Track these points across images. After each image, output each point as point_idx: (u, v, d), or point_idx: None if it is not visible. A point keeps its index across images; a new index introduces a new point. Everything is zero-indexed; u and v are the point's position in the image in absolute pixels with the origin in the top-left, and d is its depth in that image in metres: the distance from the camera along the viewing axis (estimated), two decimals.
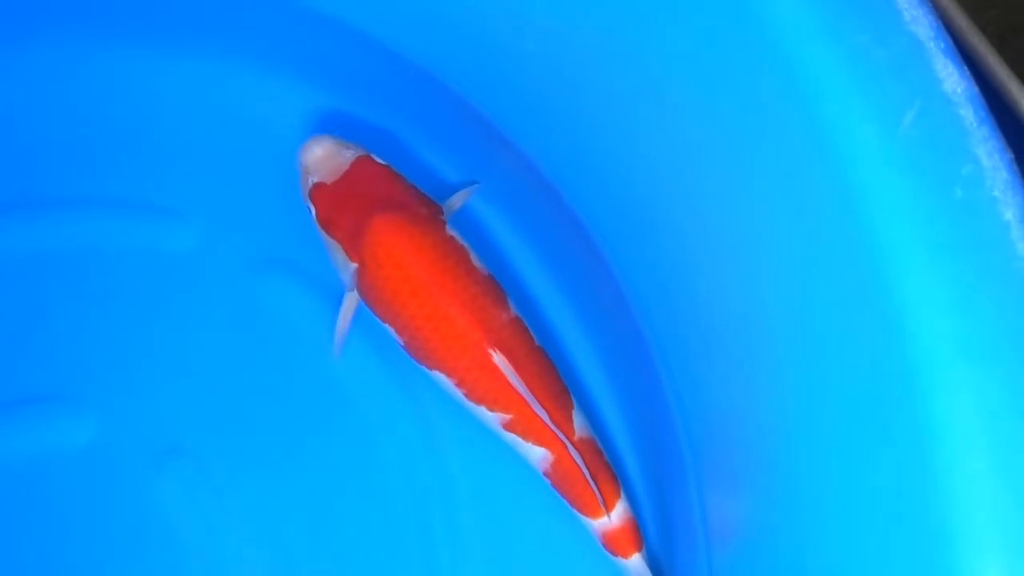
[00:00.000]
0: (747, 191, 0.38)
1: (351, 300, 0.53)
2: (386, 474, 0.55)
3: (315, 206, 0.51)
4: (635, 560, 0.51)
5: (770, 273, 0.38)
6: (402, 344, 0.51)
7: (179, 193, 0.57)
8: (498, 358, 0.49)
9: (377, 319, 0.51)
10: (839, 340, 0.35)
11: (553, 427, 0.49)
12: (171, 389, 0.55)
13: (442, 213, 0.52)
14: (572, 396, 0.51)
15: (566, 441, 0.49)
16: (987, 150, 0.31)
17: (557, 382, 0.51)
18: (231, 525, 0.54)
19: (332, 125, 0.57)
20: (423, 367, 0.51)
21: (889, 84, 0.31)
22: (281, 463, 0.55)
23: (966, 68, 0.31)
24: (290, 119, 0.57)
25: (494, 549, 0.54)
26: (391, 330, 0.51)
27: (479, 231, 0.56)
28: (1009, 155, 0.31)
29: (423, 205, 0.51)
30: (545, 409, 0.49)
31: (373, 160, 0.51)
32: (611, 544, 0.51)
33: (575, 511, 0.51)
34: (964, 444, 0.30)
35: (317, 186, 0.51)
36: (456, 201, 0.54)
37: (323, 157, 0.51)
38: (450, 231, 0.51)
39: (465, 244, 0.51)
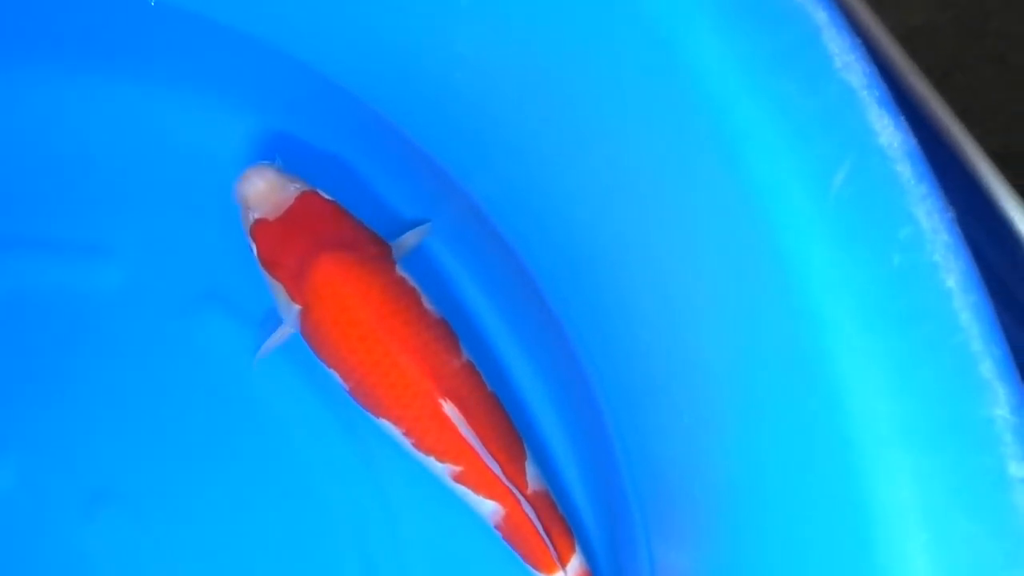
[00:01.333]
0: (687, 241, 0.36)
1: (285, 331, 0.51)
2: (330, 516, 0.53)
3: (256, 244, 0.49)
4: None
5: (712, 330, 0.36)
6: (347, 390, 0.49)
7: (102, 228, 0.54)
8: (448, 408, 0.47)
9: (321, 363, 0.49)
10: (779, 406, 0.33)
11: (505, 480, 0.48)
12: (99, 432, 0.53)
13: (392, 253, 0.50)
14: (525, 445, 0.49)
15: (518, 495, 0.48)
16: (926, 209, 0.28)
17: (510, 431, 0.49)
18: (165, 572, 0.52)
19: (271, 152, 0.54)
20: (369, 414, 0.49)
21: (819, 138, 0.29)
22: (219, 507, 0.53)
23: (903, 118, 0.28)
24: (224, 145, 0.55)
25: None
26: (336, 375, 0.49)
27: (429, 270, 0.55)
28: (951, 213, 0.28)
29: (372, 244, 0.49)
30: (497, 460, 0.47)
31: (319, 196, 0.49)
32: None
33: (528, 566, 0.50)
34: (903, 534, 0.28)
35: (259, 223, 0.49)
36: (407, 240, 0.52)
37: (265, 191, 0.49)
38: (400, 272, 0.49)
39: (416, 286, 0.49)
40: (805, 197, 0.29)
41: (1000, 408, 0.27)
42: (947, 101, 0.32)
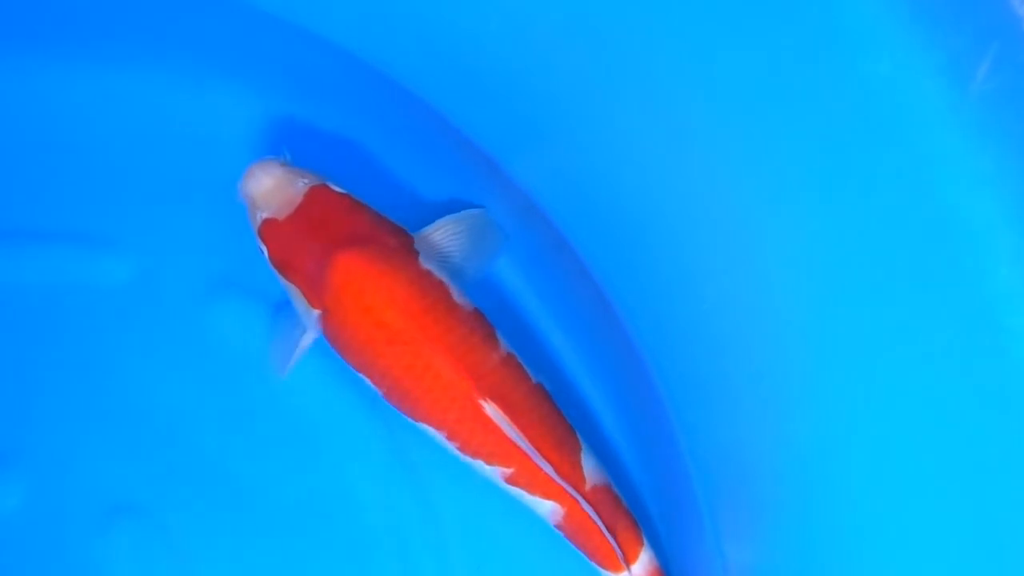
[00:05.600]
0: (738, 184, 0.36)
1: (309, 337, 0.49)
2: (365, 515, 0.52)
3: (267, 246, 0.48)
4: None
5: (790, 288, 0.36)
6: (381, 395, 0.48)
7: (109, 219, 0.53)
8: (490, 409, 0.46)
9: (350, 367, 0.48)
10: (869, 378, 0.34)
11: (559, 479, 0.46)
12: (115, 439, 0.52)
13: (414, 244, 0.48)
14: (580, 437, 0.48)
15: (575, 493, 0.47)
16: None
17: (561, 424, 0.47)
18: None
19: (281, 139, 0.53)
20: (407, 419, 0.48)
21: (955, 27, 0.26)
22: (246, 512, 0.52)
23: None
24: (232, 131, 0.53)
25: None
26: (366, 380, 0.48)
27: None
28: None
29: (391, 237, 0.47)
30: (549, 460, 0.46)
31: (330, 189, 0.48)
32: None
33: (595, 565, 0.48)
34: None
35: (267, 223, 0.48)
36: (433, 230, 0.50)
37: (272, 189, 0.48)
38: (424, 264, 0.47)
39: (443, 277, 0.47)
40: (941, 95, 0.26)
41: None
42: None
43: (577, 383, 0.53)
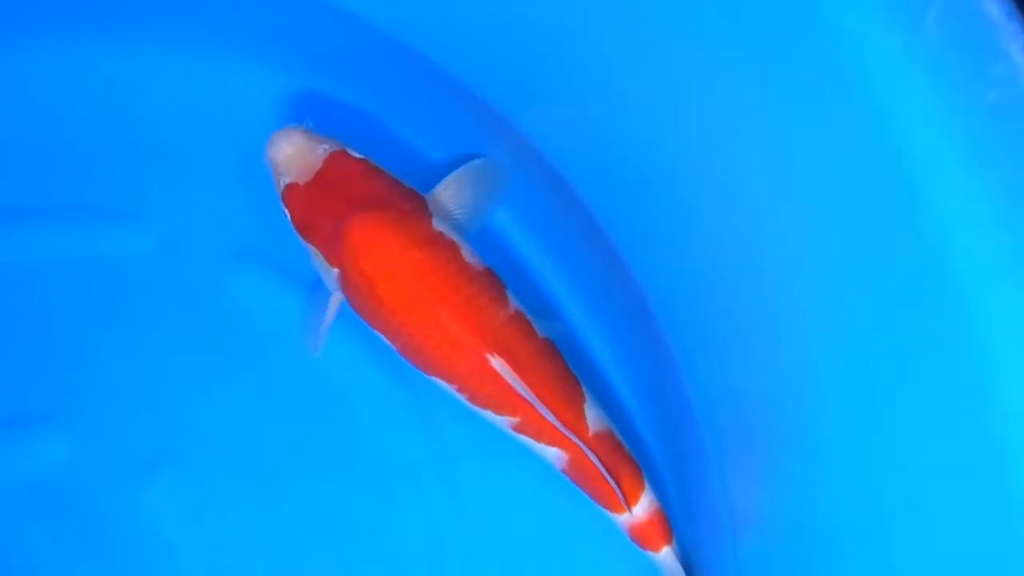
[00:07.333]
0: (732, 125, 0.36)
1: (336, 300, 0.51)
2: (386, 469, 0.54)
3: (289, 210, 0.49)
4: (665, 553, 0.49)
5: (786, 218, 0.36)
6: (396, 350, 0.49)
7: (132, 193, 0.55)
8: (497, 362, 0.47)
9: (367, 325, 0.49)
10: (865, 306, 0.34)
11: (562, 427, 0.47)
12: (150, 398, 0.54)
13: (427, 205, 0.49)
14: (584, 387, 0.49)
15: (577, 440, 0.48)
16: (1019, 46, 0.28)
17: (565, 376, 0.49)
18: (225, 530, 0.53)
19: (301, 109, 0.54)
20: (421, 373, 0.49)
21: None
22: (272, 463, 0.54)
23: None
24: (250, 103, 0.55)
25: (507, 545, 0.53)
26: (382, 336, 0.49)
27: None
28: None
29: (405, 199, 0.48)
30: (553, 410, 0.47)
31: (348, 154, 0.49)
32: (639, 538, 0.49)
33: (599, 507, 0.50)
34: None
35: (289, 187, 0.49)
36: (444, 190, 0.50)
37: (293, 154, 0.48)
38: (437, 225, 0.48)
39: (455, 238, 0.48)
40: (897, 39, 0.29)
41: None
42: None
43: (584, 332, 0.54)
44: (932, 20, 0.28)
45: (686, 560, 0.50)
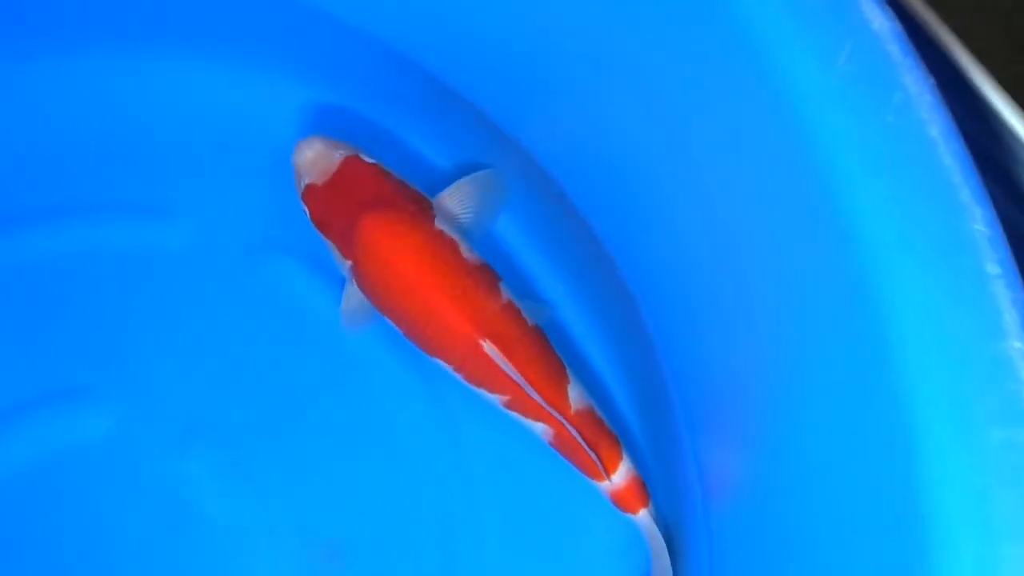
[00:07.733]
0: (715, 130, 0.42)
1: (351, 288, 0.54)
2: (400, 443, 0.57)
3: (308, 208, 0.53)
4: (643, 515, 0.53)
5: (743, 209, 0.42)
6: (402, 333, 0.53)
7: (167, 191, 0.58)
8: (488, 348, 0.50)
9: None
10: (806, 277, 0.39)
11: (546, 406, 0.51)
12: (187, 375, 0.56)
13: (431, 207, 0.52)
14: (568, 370, 0.53)
15: (560, 418, 0.51)
16: (913, 79, 0.35)
17: (551, 359, 0.52)
18: (255, 498, 0.56)
19: (322, 119, 0.57)
20: (425, 354, 0.54)
21: (826, 27, 0.36)
22: (299, 436, 0.56)
23: (889, 9, 0.36)
24: (276, 112, 0.58)
25: (506, 507, 0.56)
26: (390, 321, 0.53)
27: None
28: (931, 80, 0.35)
29: (411, 201, 0.52)
30: (538, 390, 0.50)
31: (361, 159, 0.52)
32: (619, 503, 0.53)
33: (583, 475, 0.54)
34: (924, 363, 0.34)
35: (308, 188, 0.52)
36: (448, 196, 0.54)
37: (313, 159, 0.52)
38: (438, 225, 0.51)
39: (455, 236, 0.52)
40: (817, 73, 0.36)
41: (978, 224, 0.34)
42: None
43: (569, 317, 0.57)
44: (844, 58, 0.36)
45: (663, 521, 0.54)
